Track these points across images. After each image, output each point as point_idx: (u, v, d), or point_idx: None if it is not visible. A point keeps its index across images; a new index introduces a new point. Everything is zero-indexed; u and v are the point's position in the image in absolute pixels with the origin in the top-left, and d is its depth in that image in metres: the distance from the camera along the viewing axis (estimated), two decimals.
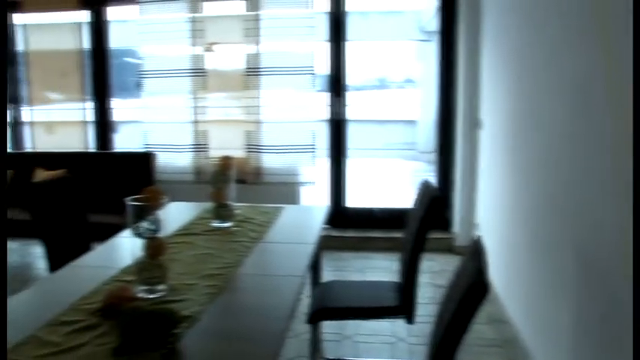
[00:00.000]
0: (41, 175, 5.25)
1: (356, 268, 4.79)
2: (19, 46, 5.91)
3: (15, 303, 2.09)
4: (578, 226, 2.32)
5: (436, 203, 2.51)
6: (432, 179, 4.68)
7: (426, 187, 2.74)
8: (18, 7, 5.68)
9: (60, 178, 3.31)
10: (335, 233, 5.21)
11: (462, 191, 5.04)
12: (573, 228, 2.38)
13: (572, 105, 2.39)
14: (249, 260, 2.38)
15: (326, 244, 2.94)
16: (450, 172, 5.22)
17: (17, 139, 6.19)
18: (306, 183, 5.19)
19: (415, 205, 2.75)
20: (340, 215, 5.32)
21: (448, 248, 5.08)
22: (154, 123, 5.40)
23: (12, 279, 4.78)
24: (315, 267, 3.12)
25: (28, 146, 6.02)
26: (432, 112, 7.31)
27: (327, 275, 3.91)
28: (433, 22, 6.77)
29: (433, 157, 5.74)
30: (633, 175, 1.76)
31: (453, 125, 5.14)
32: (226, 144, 5.21)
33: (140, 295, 1.96)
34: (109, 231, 4.19)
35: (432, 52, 10.57)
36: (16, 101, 6.10)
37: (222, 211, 2.86)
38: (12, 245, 5.82)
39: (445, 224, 5.23)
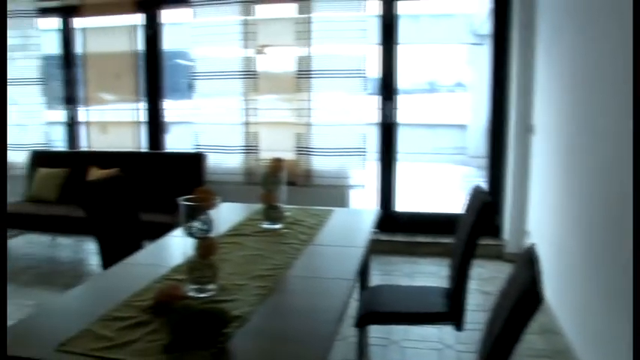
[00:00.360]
0: (95, 173, 5.39)
1: (404, 272, 4.76)
2: (77, 48, 6.09)
3: (69, 298, 2.16)
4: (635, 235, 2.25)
5: (487, 209, 2.46)
6: (483, 184, 4.61)
7: (477, 192, 2.70)
8: (77, 12, 5.87)
9: (114, 177, 3.38)
10: (383, 237, 5.18)
11: (513, 197, 4.95)
12: (629, 237, 2.30)
13: (631, 110, 2.31)
14: (298, 262, 2.39)
15: (374, 248, 2.93)
16: (501, 178, 5.13)
17: (73, 139, 6.37)
18: (356, 186, 5.18)
19: (466, 210, 2.72)
20: (389, 219, 5.29)
21: (498, 255, 5.00)
22: (205, 124, 5.47)
23: (65, 274, 4.95)
24: (363, 271, 3.11)
25: (84, 145, 6.20)
26: (483, 117, 7.25)
27: (375, 279, 3.91)
28: (485, 25, 6.69)
29: (483, 162, 5.66)
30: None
31: (504, 130, 5.06)
32: (276, 146, 5.24)
33: (190, 293, 1.98)
34: (160, 230, 4.26)
35: (483, 55, 10.49)
36: (73, 102, 6.29)
37: (272, 212, 2.87)
38: (66, 241, 6.00)
39: (495, 231, 5.15)
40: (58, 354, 1.61)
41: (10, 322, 3.49)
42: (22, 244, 5.85)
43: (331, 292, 2.07)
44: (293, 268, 2.31)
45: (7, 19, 6.02)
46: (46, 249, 5.81)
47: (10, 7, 6.01)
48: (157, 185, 5.17)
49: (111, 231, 3.08)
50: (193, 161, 5.36)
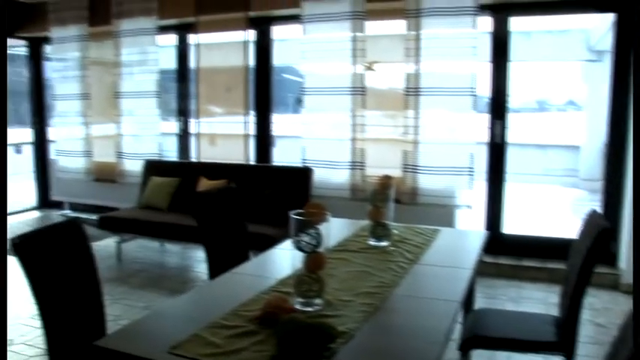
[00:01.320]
0: (204, 184, 5.59)
1: (509, 297, 4.60)
2: (191, 63, 6.38)
3: (180, 302, 2.25)
4: None
5: (604, 235, 2.35)
6: (597, 209, 4.37)
7: (593, 217, 2.58)
8: (192, 29, 6.15)
9: (224, 189, 3.47)
10: (489, 259, 5.06)
11: (632, 224, 4.67)
12: None
13: None
14: (405, 281, 2.37)
15: (479, 270, 2.86)
16: (619, 203, 4.87)
17: (184, 149, 6.66)
18: (463, 206, 5.08)
19: (580, 235, 2.60)
20: (495, 241, 5.14)
21: (613, 285, 4.74)
22: (313, 139, 5.54)
23: (172, 279, 5.15)
24: (468, 293, 3.03)
25: (194, 156, 6.46)
26: (598, 137, 6.92)
27: (479, 302, 3.80)
28: (605, 41, 6.39)
29: (597, 185, 5.40)
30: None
31: (624, 151, 4.80)
32: (383, 162, 5.23)
33: (297, 307, 2.01)
34: (265, 241, 4.36)
35: (600, 72, 10.06)
36: (185, 114, 6.58)
37: (379, 229, 2.86)
38: (174, 248, 6.25)
39: (611, 259, 4.88)
40: (169, 356, 1.67)
41: (123, 322, 3.68)
42: (134, 248, 6.14)
43: (437, 313, 2.03)
44: (399, 286, 2.29)
45: (130, 37, 6.42)
46: (155, 254, 6.08)
47: (132, 25, 6.40)
48: (264, 198, 5.27)
49: (219, 240, 3.16)
50: (300, 175, 5.42)
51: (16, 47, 9.57)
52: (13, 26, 7.49)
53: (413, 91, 5.06)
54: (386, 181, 2.80)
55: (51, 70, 7.54)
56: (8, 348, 3.87)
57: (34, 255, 2.09)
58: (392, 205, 2.85)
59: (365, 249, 2.80)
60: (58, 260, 2.18)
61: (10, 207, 8.21)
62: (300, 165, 5.57)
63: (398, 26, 5.14)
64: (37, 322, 4.13)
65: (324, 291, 2.05)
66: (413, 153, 5.12)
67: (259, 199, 5.24)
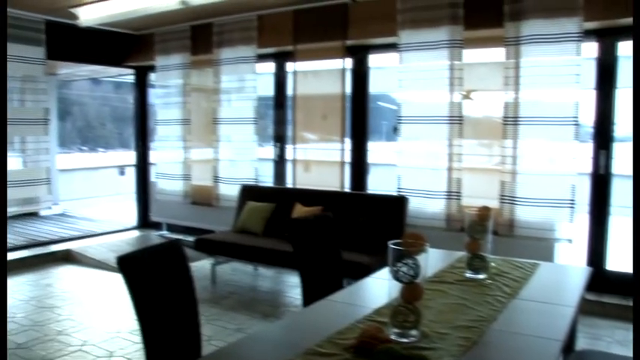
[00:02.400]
0: (300, 210, 5.68)
1: (615, 339, 4.37)
2: (289, 90, 6.54)
3: (275, 328, 2.31)
4: None
5: None
6: None
7: None
8: (290, 57, 6.33)
9: (320, 216, 3.51)
10: (592, 297, 4.84)
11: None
12: None
13: None
14: (503, 316, 2.32)
15: (581, 308, 2.75)
16: None
17: (280, 175, 6.81)
18: (563, 240, 4.89)
19: None
20: (599, 278, 4.89)
21: None
22: (408, 167, 5.52)
23: (264, 303, 5.25)
24: (570, 332, 2.92)
25: (289, 182, 6.59)
26: None
27: (581, 343, 3.65)
28: None
29: None
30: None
31: None
32: (479, 193, 5.14)
33: (393, 337, 2.00)
34: (359, 270, 4.39)
35: None
36: (281, 140, 6.74)
37: (476, 262, 2.82)
38: (267, 272, 6.36)
39: None
40: None
41: (215, 342, 3.79)
42: (228, 271, 6.30)
43: (537, 351, 1.98)
44: (497, 321, 2.25)
45: (230, 65, 6.68)
46: (249, 277, 6.21)
47: (232, 54, 6.67)
48: (359, 226, 5.27)
49: (314, 267, 3.19)
50: (395, 204, 5.39)
51: (124, 75, 10.17)
52: (121, 56, 7.99)
53: (512, 120, 4.96)
54: (484, 213, 2.77)
55: (154, 96, 7.96)
56: None
57: (138, 273, 2.19)
58: (490, 237, 2.81)
59: (461, 281, 2.76)
60: (159, 279, 2.27)
61: (113, 225, 8.67)
62: (395, 193, 5.56)
63: (496, 54, 5.08)
64: (137, 337, 4.35)
65: (420, 322, 2.04)
66: (511, 183, 5.00)
67: (354, 227, 5.25)
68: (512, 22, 4.90)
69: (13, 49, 6.47)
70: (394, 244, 2.00)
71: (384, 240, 2.05)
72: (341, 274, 3.37)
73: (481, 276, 2.80)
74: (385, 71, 6.02)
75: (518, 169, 4.97)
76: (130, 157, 9.50)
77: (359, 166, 6.18)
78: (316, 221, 3.35)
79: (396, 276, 2.00)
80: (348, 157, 6.12)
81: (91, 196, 12.15)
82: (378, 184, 6.36)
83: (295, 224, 3.26)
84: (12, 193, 6.61)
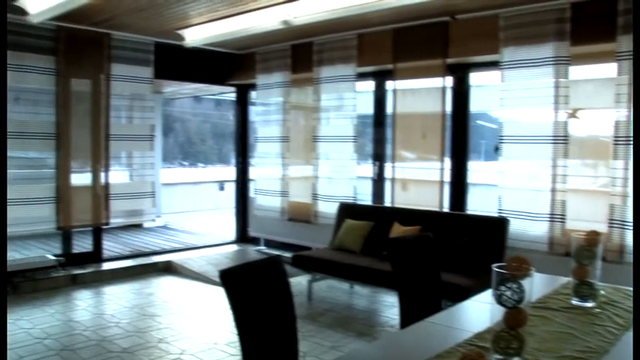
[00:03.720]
0: (398, 229, 5.67)
1: None
2: (388, 108, 6.57)
3: (372, 349, 2.31)
4: None
5: None
6: None
7: None
8: (390, 75, 6.38)
9: (420, 236, 3.49)
10: None
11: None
12: None
13: None
14: (616, 349, 2.20)
15: None
16: None
17: (378, 194, 6.83)
18: None
19: None
20: None
21: None
22: (510, 188, 5.41)
23: (359, 321, 5.30)
24: None
25: (388, 201, 6.60)
26: None
27: None
28: None
29: None
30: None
31: None
32: (585, 216, 4.95)
33: None
34: (458, 292, 4.35)
35: None
36: (381, 158, 6.76)
37: (583, 288, 2.72)
38: (363, 290, 6.37)
39: None
40: None
41: (309, 359, 3.80)
42: (325, 288, 6.37)
43: None
44: (609, 354, 2.14)
45: (330, 83, 6.79)
46: (345, 295, 6.25)
47: (332, 72, 6.80)
48: (458, 247, 5.21)
49: (413, 287, 3.18)
50: (496, 226, 5.28)
51: (225, 93, 10.54)
52: (224, 74, 8.32)
53: (623, 139, 4.73)
54: (593, 237, 2.67)
55: (255, 113, 8.20)
56: None
57: (240, 287, 2.25)
58: (599, 264, 2.71)
59: (567, 308, 2.66)
60: (260, 294, 2.33)
61: (212, 239, 8.96)
62: (495, 215, 5.45)
63: (606, 70, 4.88)
64: (233, 349, 4.51)
65: (523, 350, 1.99)
66: (621, 207, 4.76)
67: (453, 248, 5.19)
68: (626, 35, 4.66)
69: (125, 70, 6.95)
70: (498, 267, 1.98)
71: (483, 262, 2.04)
72: (440, 296, 3.34)
73: (589, 304, 2.69)
74: (486, 89, 5.92)
75: (629, 191, 4.74)
76: (229, 172, 9.80)
77: (458, 186, 6.11)
78: (415, 241, 3.33)
79: (500, 300, 1.96)
80: (447, 177, 6.06)
81: (191, 210, 12.62)
82: (477, 204, 6.23)
83: (394, 243, 3.27)
84: (119, 205, 7.06)
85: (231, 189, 9.47)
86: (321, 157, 7.08)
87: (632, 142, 4.69)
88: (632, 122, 4.51)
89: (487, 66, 5.80)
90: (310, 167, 7.20)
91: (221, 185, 13.41)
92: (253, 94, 8.29)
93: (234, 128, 8.97)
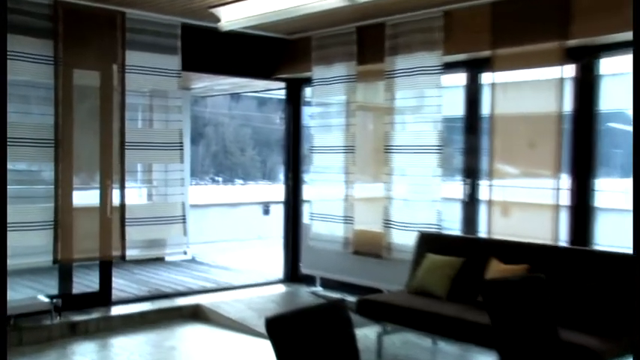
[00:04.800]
0: (497, 268, 5.54)
1: None
2: (484, 109, 6.50)
3: None
4: None
5: None
6: None
7: None
8: (488, 65, 6.29)
9: (527, 278, 3.44)
10: None
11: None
12: None
13: None
14: None
15: None
16: None
17: (470, 221, 6.73)
18: None
19: None
20: None
21: None
22: None
23: None
24: None
25: (483, 230, 6.50)
26: None
27: None
28: None
29: None
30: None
31: None
32: None
33: None
34: (584, 356, 4.19)
35: None
36: (473, 174, 6.65)
37: None
38: (450, 348, 6.23)
39: None
40: None
41: None
42: (398, 343, 6.29)
43: None
44: None
45: (407, 77, 6.74)
46: (425, 353, 6.19)
47: (410, 62, 6.76)
48: (584, 295, 5.03)
49: (519, 346, 3.13)
50: (632, 265, 5.08)
51: (271, 90, 10.64)
52: (270, 66, 8.37)
53: None
54: None
55: (310, 116, 8.21)
56: None
57: (292, 340, 2.27)
58: None
59: None
60: (317, 349, 2.34)
61: (253, 277, 8.99)
62: (629, 252, 5.25)
63: None
64: None
65: None
66: None
67: (576, 296, 5.02)
68: None
69: (144, 59, 7.01)
70: None
71: (620, 317, 1.94)
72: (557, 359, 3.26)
73: None
74: (622, 79, 5.72)
75: None
76: (276, 191, 9.84)
77: (582, 212, 5.96)
78: (521, 284, 3.30)
79: None
80: (565, 199, 5.93)
81: (226, 240, 12.72)
82: (609, 236, 6.03)
83: (492, 287, 3.23)
84: (136, 233, 7.10)
85: (278, 213, 9.52)
86: (395, 173, 7.03)
87: None
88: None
89: (624, 47, 5.60)
90: (381, 185, 7.15)
91: (265, 208, 13.50)
92: (308, 91, 8.35)
93: (283, 135, 9.02)
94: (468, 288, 5.75)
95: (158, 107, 7.31)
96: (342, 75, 7.52)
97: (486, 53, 6.27)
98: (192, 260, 10.52)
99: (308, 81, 8.06)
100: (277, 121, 9.02)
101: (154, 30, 7.07)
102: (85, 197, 6.81)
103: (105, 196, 6.93)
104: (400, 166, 6.99)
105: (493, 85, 6.25)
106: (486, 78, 6.47)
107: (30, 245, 6.39)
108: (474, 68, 6.72)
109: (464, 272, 5.90)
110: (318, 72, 7.80)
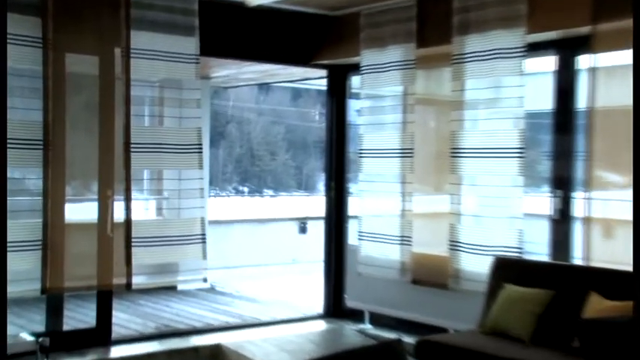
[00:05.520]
0: (598, 304, 5.38)
1: None
2: (579, 101, 6.37)
3: None
4: None
5: None
6: None
7: None
8: (585, 45, 6.17)
9: (633, 319, 3.31)
10: None
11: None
12: None
13: None
14: None
15: None
16: None
17: (561, 243, 6.61)
18: None
19: None
20: None
21: None
22: None
23: None
24: None
25: (577, 255, 6.38)
26: None
27: None
28: None
29: None
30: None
31: None
32: None
33: None
34: None
35: None
36: (565, 184, 6.51)
37: None
38: None
39: None
40: None
41: None
42: None
43: None
44: None
45: (479, 61, 6.60)
46: None
47: (484, 44, 6.66)
48: None
49: None
50: None
51: (309, 80, 10.56)
52: (308, 50, 8.31)
53: None
54: None
55: (357, 112, 8.15)
56: None
57: None
58: None
59: None
60: None
61: (286, 311, 8.93)
62: None
63: None
64: None
65: None
66: None
67: None
68: None
69: (153, 41, 6.96)
70: None
71: None
72: None
73: None
74: None
75: None
76: (315, 204, 9.78)
77: None
78: (628, 327, 3.19)
79: None
80: None
81: (254, 264, 12.74)
82: None
83: (591, 329, 3.15)
84: (144, 256, 7.03)
85: (317, 231, 9.46)
86: (464, 182, 6.94)
87: None
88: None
89: None
90: (446, 198, 7.05)
91: (302, 225, 13.50)
92: (355, 81, 8.31)
93: (324, 135, 8.96)
94: (559, 329, 5.66)
95: (170, 100, 7.31)
96: (397, 60, 7.44)
97: (584, 30, 6.15)
98: (212, 289, 10.55)
99: (355, 68, 8.01)
100: (316, 118, 8.95)
101: (166, 5, 7.04)
102: (81, 211, 6.79)
103: (105, 209, 6.90)
104: (470, 173, 6.88)
105: (592, 71, 6.12)
106: (584, 61, 6.35)
107: (12, 271, 6.28)
108: (568, 49, 6.61)
109: (553, 309, 5.78)
110: (368, 57, 7.73)
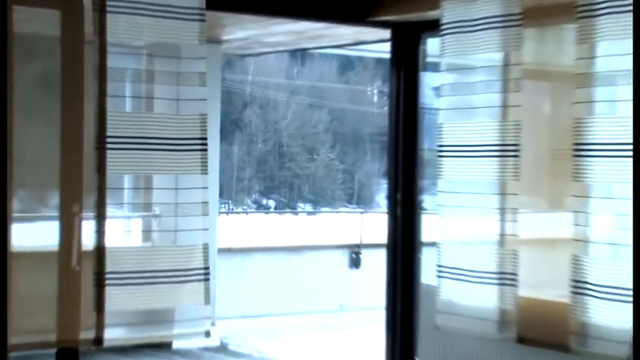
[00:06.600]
0: None
1: None
2: None
3: None
4: None
5: None
6: None
7: None
8: None
9: None
10: None
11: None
12: None
13: None
14: None
15: None
16: None
17: None
18: None
19: None
20: None
21: None
22: None
23: None
24: None
25: None
26: None
27: None
28: None
29: None
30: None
31: None
32: None
33: None
34: None
35: None
36: None
37: None
38: None
39: None
40: None
41: None
42: None
43: None
44: None
45: (619, 13, 6.52)
46: None
47: None
48: None
49: None
50: None
51: (366, 44, 10.54)
52: (365, 2, 8.18)
53: None
54: None
55: (435, 90, 8.05)
56: None
57: None
58: None
59: None
60: None
61: None
62: None
63: None
64: None
65: None
66: None
67: None
68: None
69: None
70: None
71: None
72: None
73: None
74: None
75: None
76: (372, 226, 9.71)
77: None
78: None
79: None
80: None
81: (282, 312, 12.71)
82: None
83: None
84: (119, 299, 6.99)
85: (376, 264, 9.41)
86: (594, 194, 6.79)
87: None
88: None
89: None
90: (568, 216, 6.91)
91: (354, 256, 13.46)
92: (432, 45, 8.19)
93: (387, 124, 8.85)
94: None
95: (163, 75, 7.27)
96: (494, 15, 7.32)
97: None
98: (222, 348, 10.56)
99: (433, 26, 7.89)
100: (374, 100, 8.81)
101: None
102: (33, 234, 6.77)
103: (68, 232, 6.90)
104: (603, 181, 6.75)
105: None
106: None
107: None
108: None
109: None
110: (451, 9, 7.63)
